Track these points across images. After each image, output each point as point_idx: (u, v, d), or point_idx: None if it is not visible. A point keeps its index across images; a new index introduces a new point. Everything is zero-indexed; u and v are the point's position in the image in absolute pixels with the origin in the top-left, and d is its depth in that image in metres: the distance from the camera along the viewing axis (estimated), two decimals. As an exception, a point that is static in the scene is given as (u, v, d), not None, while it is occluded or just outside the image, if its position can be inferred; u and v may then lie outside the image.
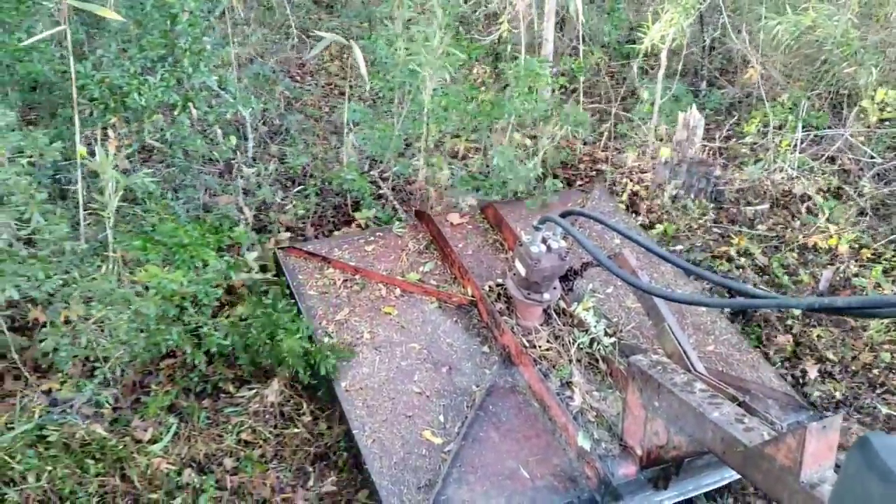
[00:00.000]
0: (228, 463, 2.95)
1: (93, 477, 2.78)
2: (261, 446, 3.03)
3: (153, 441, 2.93)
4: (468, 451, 2.58)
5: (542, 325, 3.08)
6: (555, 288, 3.02)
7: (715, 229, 4.37)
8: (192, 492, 2.81)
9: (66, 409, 3.03)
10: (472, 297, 3.16)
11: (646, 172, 4.64)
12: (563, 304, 3.15)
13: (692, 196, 4.46)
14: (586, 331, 2.99)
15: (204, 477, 2.86)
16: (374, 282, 3.26)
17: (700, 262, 4.15)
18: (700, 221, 4.35)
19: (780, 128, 4.92)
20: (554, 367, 2.88)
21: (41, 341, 2.78)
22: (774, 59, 5.47)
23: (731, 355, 3.13)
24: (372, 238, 3.51)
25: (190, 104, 4.05)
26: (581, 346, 2.95)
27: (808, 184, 4.60)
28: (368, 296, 3.21)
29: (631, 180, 4.58)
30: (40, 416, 2.94)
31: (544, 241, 2.79)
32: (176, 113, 4.00)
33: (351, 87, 5.24)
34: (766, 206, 4.56)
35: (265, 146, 4.72)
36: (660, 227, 4.30)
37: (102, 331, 2.90)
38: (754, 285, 3.96)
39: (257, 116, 4.69)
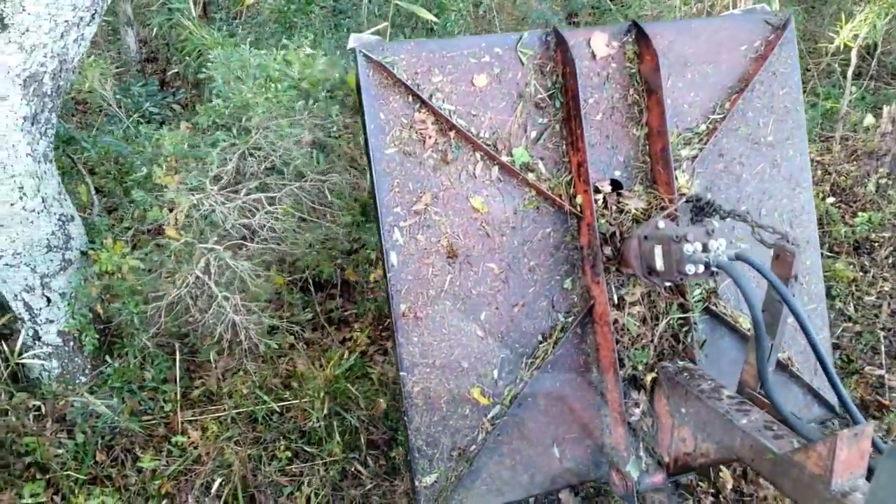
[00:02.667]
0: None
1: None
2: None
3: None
4: (511, 419, 2.45)
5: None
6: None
7: (920, 219, 4.51)
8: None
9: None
10: (580, 211, 2.54)
11: (842, 164, 4.83)
12: None
13: (897, 186, 4.62)
14: (683, 307, 2.58)
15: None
16: (472, 150, 2.51)
17: (907, 248, 4.31)
18: (904, 211, 4.50)
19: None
20: (633, 343, 2.56)
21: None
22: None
23: (794, 337, 2.80)
24: (487, 58, 2.51)
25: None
26: (671, 323, 2.58)
27: None
28: (458, 173, 2.51)
29: (829, 172, 4.78)
30: (349, 357, 3.38)
31: (704, 246, 2.22)
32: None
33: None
34: (966, 198, 4.67)
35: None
36: (863, 216, 4.47)
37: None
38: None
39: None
